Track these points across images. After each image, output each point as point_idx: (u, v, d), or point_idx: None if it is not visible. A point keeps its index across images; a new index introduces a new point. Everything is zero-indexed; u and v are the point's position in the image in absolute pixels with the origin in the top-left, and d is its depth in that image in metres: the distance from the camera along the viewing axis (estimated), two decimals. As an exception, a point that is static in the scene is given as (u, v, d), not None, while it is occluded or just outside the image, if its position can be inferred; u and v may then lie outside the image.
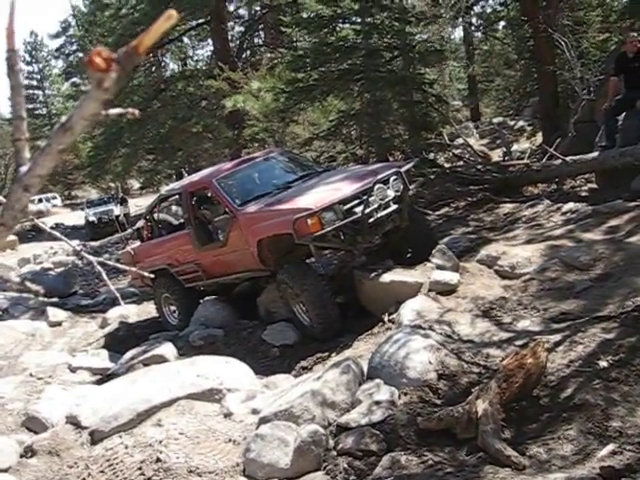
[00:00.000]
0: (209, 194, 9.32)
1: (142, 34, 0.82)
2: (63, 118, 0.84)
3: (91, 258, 1.25)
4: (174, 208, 14.62)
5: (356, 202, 7.48)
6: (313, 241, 7.25)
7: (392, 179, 7.81)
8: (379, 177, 7.69)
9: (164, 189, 12.21)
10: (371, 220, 7.48)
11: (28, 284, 14.91)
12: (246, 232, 8.02)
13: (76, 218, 31.80)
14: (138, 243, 10.80)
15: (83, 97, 0.83)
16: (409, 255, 8.24)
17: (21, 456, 5.56)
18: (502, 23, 23.51)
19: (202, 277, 9.20)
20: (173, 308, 9.90)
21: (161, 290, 9.94)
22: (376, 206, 7.51)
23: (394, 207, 7.73)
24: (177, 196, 9.94)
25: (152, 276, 8.62)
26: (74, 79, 51.26)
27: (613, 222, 8.06)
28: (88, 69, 0.80)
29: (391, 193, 7.72)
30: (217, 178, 8.86)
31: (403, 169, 7.99)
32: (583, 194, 11.01)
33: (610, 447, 3.86)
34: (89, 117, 0.83)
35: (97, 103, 0.82)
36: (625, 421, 4.05)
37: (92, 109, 0.82)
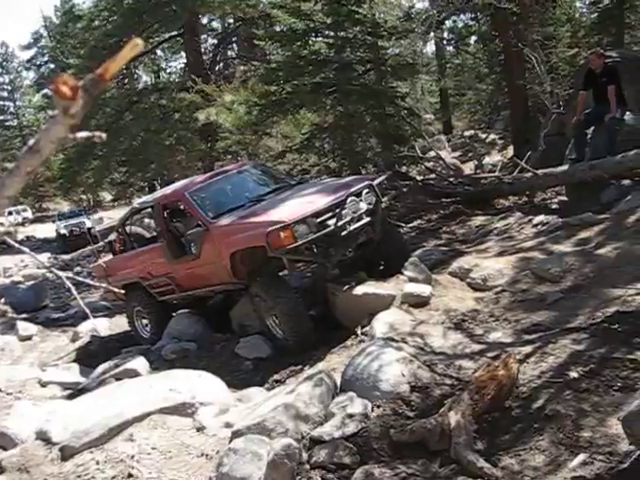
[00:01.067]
0: (182, 207, 9.28)
1: (108, 61, 0.82)
2: (31, 141, 0.84)
3: (60, 274, 1.24)
4: (147, 221, 14.54)
5: (329, 215, 7.48)
6: (286, 254, 7.22)
7: (365, 192, 7.83)
8: (352, 190, 7.70)
9: (136, 202, 12.13)
10: (344, 233, 7.47)
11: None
12: (219, 245, 7.99)
13: (47, 231, 31.46)
14: (110, 256, 10.72)
15: (50, 121, 0.83)
16: (382, 267, 8.26)
17: (-11, 473, 5.46)
18: (473, 38, 23.86)
19: (175, 290, 9.15)
20: (145, 322, 9.84)
21: (133, 304, 9.87)
22: (349, 219, 7.51)
23: (367, 220, 7.74)
24: (150, 209, 9.89)
25: (122, 292, 8.55)
26: (45, 90, 50.88)
27: (583, 234, 8.15)
28: (54, 97, 0.80)
29: (364, 206, 7.74)
30: (190, 191, 8.82)
31: (375, 182, 8.02)
32: (554, 206, 11.15)
33: (581, 457, 3.89)
34: (56, 140, 0.83)
35: (64, 127, 0.82)
36: (595, 431, 4.09)
37: (59, 133, 0.83)
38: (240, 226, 7.82)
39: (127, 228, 10.32)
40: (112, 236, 10.97)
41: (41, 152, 0.83)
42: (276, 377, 6.97)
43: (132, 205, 11.32)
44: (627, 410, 3.77)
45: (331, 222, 7.41)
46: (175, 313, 9.76)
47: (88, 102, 0.80)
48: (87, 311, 1.49)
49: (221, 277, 8.26)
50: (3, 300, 15.20)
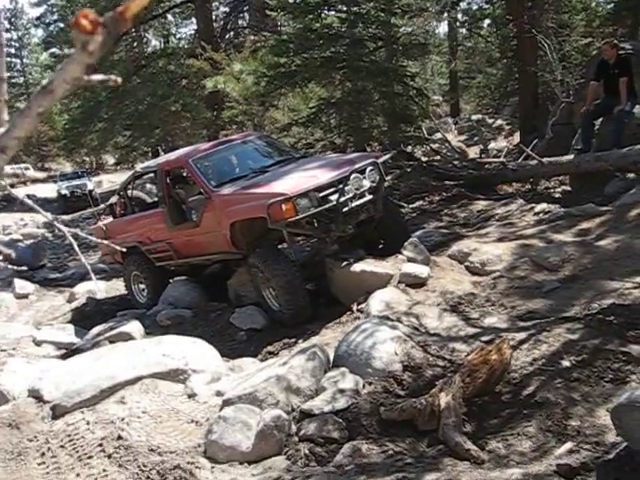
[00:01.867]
0: (185, 174, 9.26)
1: (129, 0, 0.81)
2: (44, 81, 0.83)
3: (64, 229, 1.23)
4: (148, 186, 14.49)
5: (332, 190, 7.45)
6: (286, 227, 7.24)
7: (369, 169, 7.79)
8: (356, 167, 7.66)
9: (139, 166, 12.10)
10: (345, 209, 7.46)
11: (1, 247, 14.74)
12: (220, 214, 7.99)
13: (48, 190, 31.38)
14: (110, 219, 10.71)
15: (66, 60, 0.82)
16: (381, 246, 8.27)
17: (-20, 427, 5.49)
18: (487, 21, 23.59)
19: (173, 257, 9.16)
20: (142, 286, 9.85)
21: (131, 268, 9.87)
22: (351, 195, 7.49)
23: (369, 197, 7.72)
24: (152, 174, 9.86)
25: (125, 250, 8.53)
26: (53, 49, 50.46)
27: (584, 225, 8.15)
28: (74, 30, 0.79)
29: (367, 183, 7.70)
30: (194, 158, 8.79)
31: (380, 160, 7.98)
32: (556, 196, 11.13)
33: (568, 445, 3.92)
34: (71, 81, 0.82)
35: (80, 67, 0.81)
36: (584, 421, 4.12)
37: (75, 72, 0.81)
38: (242, 196, 7.81)
39: (129, 192, 10.30)
40: (113, 199, 10.94)
41: (54, 93, 0.82)
42: (269, 349, 7.00)
43: (135, 169, 11.28)
44: (617, 402, 3.79)
45: (333, 197, 7.38)
46: (172, 280, 9.78)
47: (107, 41, 0.79)
48: (89, 268, 1.49)
49: (220, 246, 8.26)
50: (1, 257, 15.19)
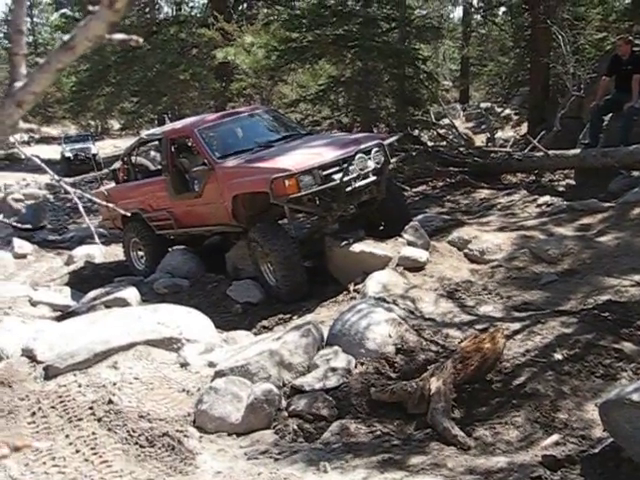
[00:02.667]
0: (189, 143, 9.24)
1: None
2: (66, 37, 0.82)
3: (70, 189, 1.23)
4: (153, 153, 14.44)
5: (336, 169, 7.45)
6: (288, 203, 7.25)
7: (374, 150, 7.76)
8: (361, 147, 7.61)
9: (144, 133, 12.06)
10: (349, 189, 7.46)
11: (11, 202, 14.71)
12: (222, 186, 8.00)
13: (52, 152, 31.25)
14: (113, 184, 10.70)
15: (89, 17, 0.81)
16: (382, 228, 8.27)
17: (-28, 383, 5.51)
18: (503, 8, 23.38)
19: (173, 226, 9.16)
20: (141, 253, 9.87)
21: (131, 234, 9.88)
22: (355, 175, 7.48)
23: (373, 178, 7.72)
24: (157, 141, 9.84)
25: (129, 214, 8.58)
26: (64, 10, 50.07)
27: (586, 220, 8.14)
28: None
29: (371, 164, 7.68)
30: (199, 128, 8.75)
31: (386, 142, 7.96)
32: (560, 189, 11.11)
33: (554, 437, 3.95)
34: (93, 38, 0.81)
35: (104, 24, 0.81)
36: (572, 414, 4.14)
37: (98, 30, 0.81)
38: (246, 170, 7.82)
39: (132, 158, 10.28)
40: (117, 164, 10.91)
41: (75, 49, 0.81)
42: (264, 323, 7.03)
43: (140, 136, 11.25)
44: (605, 397, 3.82)
45: (337, 176, 7.38)
46: (171, 249, 9.78)
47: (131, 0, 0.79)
48: (93, 229, 1.49)
49: (221, 218, 8.29)
50: (2, 216, 15.18)
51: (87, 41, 0.81)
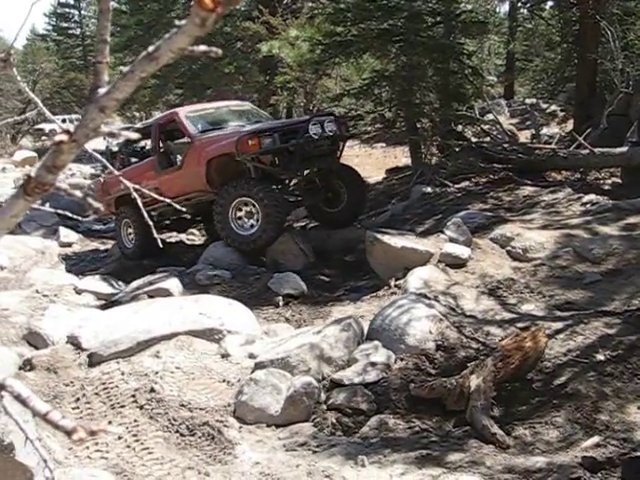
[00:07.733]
0: (175, 127, 10.24)
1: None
2: (151, 47, 0.87)
3: (127, 183, 1.27)
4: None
5: (293, 135, 8.76)
6: (252, 160, 8.54)
7: (327, 120, 9.12)
8: (315, 118, 9.13)
9: (140, 123, 13.05)
10: (304, 150, 8.67)
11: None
12: (199, 155, 9.19)
13: (95, 143, 31.67)
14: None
15: (175, 30, 0.85)
16: (343, 205, 9.55)
17: (20, 368, 5.63)
18: (550, 3, 23.02)
19: (156, 200, 9.37)
20: (130, 231, 10.69)
21: (122, 215, 10.77)
22: (309, 140, 8.72)
23: (326, 146, 9.08)
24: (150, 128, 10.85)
25: (131, 187, 9.12)
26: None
27: (631, 219, 8.01)
28: (195, 7, 0.82)
29: (325, 133, 8.93)
30: (183, 111, 10.16)
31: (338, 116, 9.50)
32: (606, 187, 10.93)
33: (595, 439, 3.92)
34: (177, 51, 0.85)
35: (189, 39, 0.84)
36: (613, 416, 4.10)
37: (182, 43, 0.85)
38: (218, 138, 9.16)
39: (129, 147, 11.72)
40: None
41: (159, 60, 0.86)
42: (304, 316, 7.07)
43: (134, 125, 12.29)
44: (649, 399, 3.77)
45: (294, 141, 8.67)
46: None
47: (218, 16, 0.83)
48: (150, 222, 1.52)
49: (197, 185, 9.33)
50: (48, 205, 15.46)
51: (171, 53, 0.85)
